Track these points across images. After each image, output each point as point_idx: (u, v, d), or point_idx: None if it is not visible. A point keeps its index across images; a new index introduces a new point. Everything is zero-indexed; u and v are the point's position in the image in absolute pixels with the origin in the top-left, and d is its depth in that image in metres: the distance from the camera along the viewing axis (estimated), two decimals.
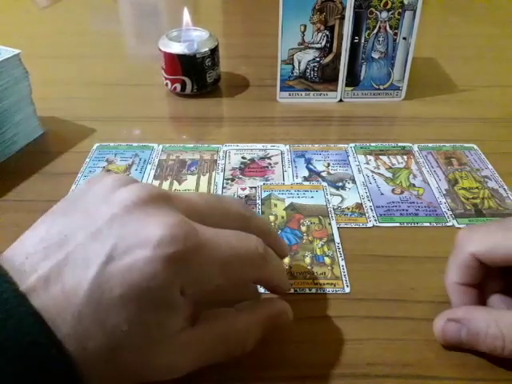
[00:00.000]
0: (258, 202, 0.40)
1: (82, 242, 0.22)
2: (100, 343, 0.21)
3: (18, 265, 0.21)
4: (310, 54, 0.53)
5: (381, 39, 0.52)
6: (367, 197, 0.41)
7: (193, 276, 0.22)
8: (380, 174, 0.44)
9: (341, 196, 0.41)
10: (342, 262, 0.34)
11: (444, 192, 0.41)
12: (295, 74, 0.54)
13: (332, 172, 0.44)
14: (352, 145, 0.48)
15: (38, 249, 0.22)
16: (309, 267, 0.34)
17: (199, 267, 0.22)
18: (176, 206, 0.24)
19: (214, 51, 0.55)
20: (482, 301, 0.29)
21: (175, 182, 0.43)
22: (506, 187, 0.42)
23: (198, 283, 0.23)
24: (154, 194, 0.23)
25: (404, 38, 0.52)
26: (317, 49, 0.52)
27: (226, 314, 0.26)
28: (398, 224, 0.38)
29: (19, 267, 0.21)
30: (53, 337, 0.20)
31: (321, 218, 0.38)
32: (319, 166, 0.45)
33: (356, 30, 0.51)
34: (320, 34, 0.51)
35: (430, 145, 0.47)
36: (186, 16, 0.56)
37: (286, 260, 0.34)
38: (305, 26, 0.51)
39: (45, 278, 0.21)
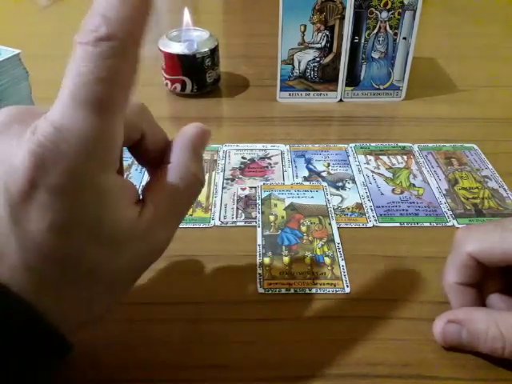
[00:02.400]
0: (258, 202, 0.40)
1: None
2: (48, 241, 0.19)
3: None
4: (310, 54, 0.53)
5: (381, 39, 0.52)
6: (367, 197, 0.41)
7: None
8: (380, 174, 0.44)
9: (341, 196, 0.41)
10: (342, 262, 0.34)
11: (444, 192, 0.41)
12: (295, 74, 0.54)
13: (332, 172, 0.44)
14: (352, 145, 0.48)
15: None
16: (309, 267, 0.34)
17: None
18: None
19: (214, 51, 0.55)
20: (480, 301, 0.29)
21: None
22: (506, 187, 0.42)
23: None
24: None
25: (404, 38, 0.52)
26: (317, 49, 0.52)
27: (162, 172, 0.24)
28: (398, 224, 0.38)
29: None
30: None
31: (321, 217, 0.38)
32: (319, 166, 0.45)
33: (356, 30, 0.51)
34: (320, 34, 0.51)
35: (430, 145, 0.47)
36: (186, 16, 0.56)
37: (286, 260, 0.34)
38: (305, 26, 0.51)
39: None
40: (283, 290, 0.32)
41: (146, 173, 0.28)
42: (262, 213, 0.39)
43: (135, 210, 0.22)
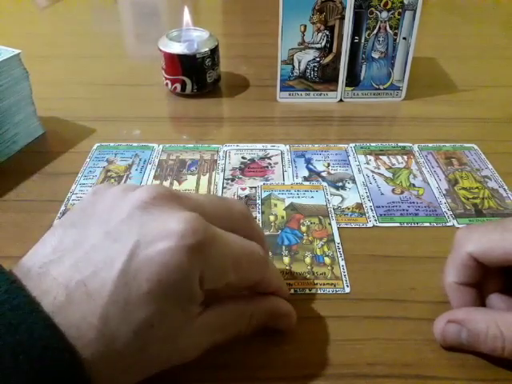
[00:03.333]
0: (258, 202, 0.40)
1: (98, 245, 0.22)
2: (129, 341, 0.21)
3: (33, 274, 0.21)
4: (310, 54, 0.53)
5: (381, 39, 0.52)
6: (367, 197, 0.41)
7: (210, 268, 0.23)
8: (380, 174, 0.44)
9: (341, 196, 0.41)
10: (342, 262, 0.34)
11: (444, 192, 0.41)
12: (295, 74, 0.54)
13: (332, 172, 0.44)
14: (352, 145, 0.48)
15: (52, 258, 0.22)
16: (309, 267, 0.34)
17: (216, 259, 0.23)
18: (185, 205, 0.24)
19: (214, 51, 0.55)
20: (480, 300, 0.29)
21: (175, 182, 0.43)
22: (506, 187, 0.42)
23: (214, 276, 0.24)
24: (166, 193, 0.24)
25: (404, 38, 0.52)
26: (317, 49, 0.52)
27: (237, 299, 0.27)
28: (398, 224, 0.38)
29: (33, 277, 0.21)
30: (65, 341, 0.20)
31: (321, 218, 0.38)
32: (319, 166, 0.45)
33: (356, 30, 0.51)
34: (320, 34, 0.51)
35: (430, 145, 0.47)
36: (186, 16, 0.56)
37: (286, 260, 0.34)
38: (305, 26, 0.51)
39: (65, 285, 0.21)
40: None
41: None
42: (262, 213, 0.39)
43: (199, 309, 0.24)
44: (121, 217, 0.23)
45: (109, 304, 0.21)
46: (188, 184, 0.42)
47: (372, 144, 0.48)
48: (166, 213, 0.23)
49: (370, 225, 0.38)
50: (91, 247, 0.22)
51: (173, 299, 0.22)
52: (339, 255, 0.35)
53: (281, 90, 0.55)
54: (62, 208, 0.39)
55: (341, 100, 0.55)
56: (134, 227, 0.22)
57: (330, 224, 0.38)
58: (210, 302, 0.25)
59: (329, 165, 0.45)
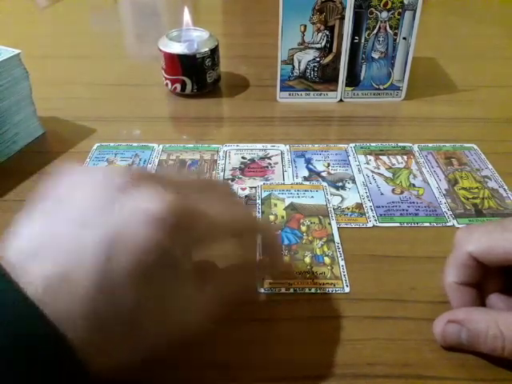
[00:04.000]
0: (258, 201, 0.40)
1: (74, 234, 0.21)
2: (119, 326, 0.21)
3: (10, 270, 0.21)
4: (310, 54, 0.53)
5: (381, 39, 0.52)
6: (367, 197, 0.41)
7: (191, 242, 0.23)
8: (380, 174, 0.44)
9: (341, 196, 0.41)
10: (342, 262, 0.34)
11: (444, 192, 0.41)
12: (295, 74, 0.54)
13: (332, 172, 0.44)
14: (352, 145, 0.48)
15: (28, 252, 0.21)
16: (308, 267, 0.34)
17: (196, 232, 0.24)
18: (161, 184, 0.24)
19: (214, 51, 0.55)
20: (480, 300, 0.29)
21: None
22: (506, 187, 0.42)
23: (196, 248, 0.24)
24: (140, 173, 0.24)
25: (404, 38, 0.52)
26: (317, 49, 0.52)
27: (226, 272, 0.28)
28: (398, 224, 0.38)
29: (13, 271, 0.21)
30: (54, 329, 0.20)
31: (321, 217, 0.38)
32: (319, 166, 0.45)
33: (356, 30, 0.51)
34: (320, 34, 0.51)
35: (430, 145, 0.47)
36: (186, 16, 0.56)
37: (286, 260, 0.34)
38: (305, 26, 0.51)
39: (43, 277, 0.21)
40: (283, 290, 0.32)
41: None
42: (262, 213, 0.39)
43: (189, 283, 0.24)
44: (88, 203, 0.22)
45: (92, 291, 0.20)
46: None
47: (372, 144, 0.48)
48: (142, 193, 0.23)
49: (369, 225, 0.38)
50: (67, 237, 0.22)
51: (159, 277, 0.22)
52: (339, 255, 0.35)
53: (281, 90, 0.55)
54: None
55: (341, 100, 0.55)
56: (104, 215, 0.22)
57: (329, 224, 0.38)
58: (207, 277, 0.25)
59: (329, 165, 0.45)
